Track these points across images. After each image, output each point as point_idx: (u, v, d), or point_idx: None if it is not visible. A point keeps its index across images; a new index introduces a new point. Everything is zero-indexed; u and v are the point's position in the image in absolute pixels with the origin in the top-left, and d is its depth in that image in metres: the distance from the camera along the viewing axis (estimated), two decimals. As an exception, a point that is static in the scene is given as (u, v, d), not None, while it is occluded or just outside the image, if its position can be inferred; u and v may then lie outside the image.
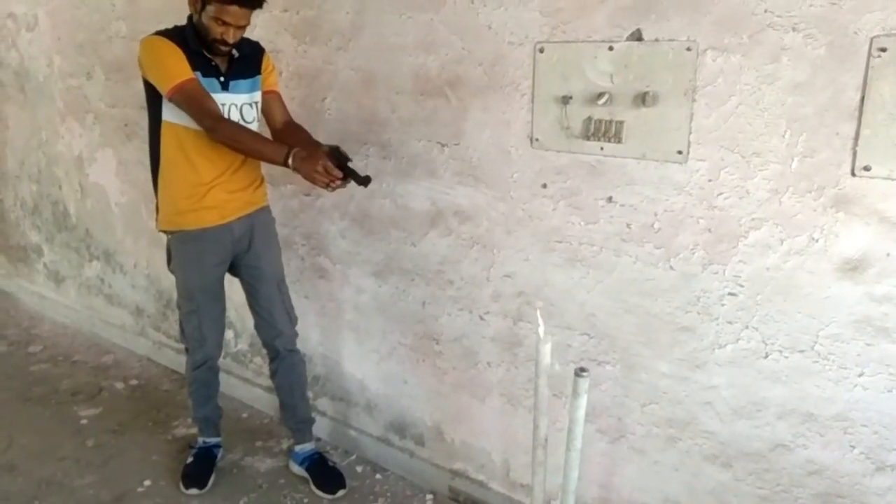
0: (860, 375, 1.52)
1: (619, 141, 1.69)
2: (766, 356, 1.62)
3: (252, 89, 2.10)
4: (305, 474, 2.41)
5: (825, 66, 1.41)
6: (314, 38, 2.25)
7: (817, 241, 1.50)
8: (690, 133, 1.60)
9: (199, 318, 2.25)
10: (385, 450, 2.49)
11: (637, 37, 1.62)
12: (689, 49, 1.55)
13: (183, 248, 2.18)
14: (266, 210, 2.27)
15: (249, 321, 2.80)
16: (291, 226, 2.51)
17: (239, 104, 2.07)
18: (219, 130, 1.93)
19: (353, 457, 2.58)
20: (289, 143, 2.09)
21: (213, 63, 2.01)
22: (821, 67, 1.41)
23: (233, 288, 2.36)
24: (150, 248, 3.19)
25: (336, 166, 1.85)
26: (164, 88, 1.93)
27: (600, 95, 1.68)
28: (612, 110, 1.69)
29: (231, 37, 1.95)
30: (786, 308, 1.57)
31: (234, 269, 2.28)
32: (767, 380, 1.63)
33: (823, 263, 1.50)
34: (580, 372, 1.52)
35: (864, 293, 1.47)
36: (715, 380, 1.71)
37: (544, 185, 1.86)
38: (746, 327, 1.63)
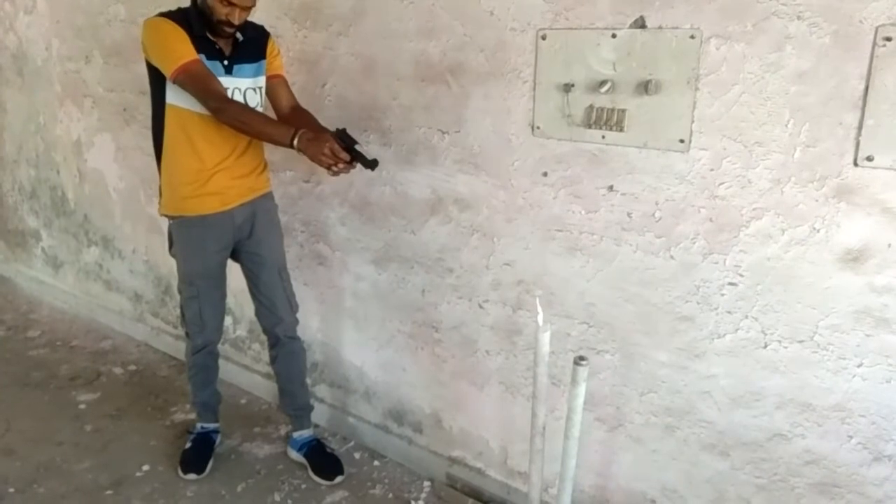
0: (859, 366, 1.52)
1: (621, 129, 1.68)
2: (766, 346, 1.62)
3: (256, 74, 2.08)
4: (303, 460, 2.41)
5: (829, 55, 1.40)
6: (315, 22, 2.24)
7: (819, 231, 1.49)
8: (693, 122, 1.59)
9: (199, 304, 2.25)
10: (383, 437, 2.50)
11: (640, 24, 1.61)
12: (692, 37, 1.54)
13: (184, 233, 2.17)
14: (269, 196, 2.26)
15: (248, 308, 2.81)
16: (291, 212, 2.50)
17: (243, 88, 2.05)
18: (225, 112, 1.91)
19: (352, 443, 2.58)
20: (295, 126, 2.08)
21: (217, 46, 1.99)
22: (825, 56, 1.41)
23: (232, 274, 2.36)
24: (148, 233, 3.18)
25: (343, 149, 1.83)
26: (168, 70, 1.91)
27: (602, 83, 1.66)
28: (615, 98, 1.68)
29: (237, 17, 1.92)
30: (786, 298, 1.57)
31: (235, 255, 2.27)
32: (766, 369, 1.64)
33: (824, 254, 1.50)
34: (579, 360, 1.52)
35: (864, 284, 1.47)
36: (714, 369, 1.71)
37: (545, 174, 1.85)
38: (746, 317, 1.63)
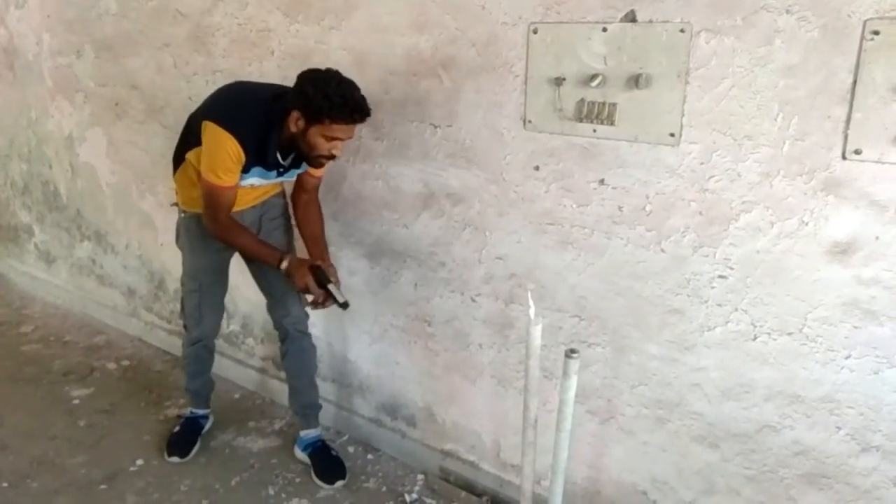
0: (847, 358, 1.53)
1: (612, 123, 1.69)
2: (755, 338, 1.63)
3: (299, 171, 2.13)
4: (307, 461, 2.41)
5: (818, 49, 1.41)
6: (307, 16, 2.23)
7: (807, 224, 1.50)
8: (683, 116, 1.59)
9: (200, 298, 2.29)
10: (377, 430, 2.51)
11: (631, 18, 1.61)
12: (682, 31, 1.55)
13: (195, 228, 2.20)
14: (280, 194, 2.29)
15: (242, 303, 2.81)
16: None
17: (279, 181, 2.12)
18: (220, 232, 2.01)
19: (346, 437, 2.59)
20: (298, 222, 2.20)
21: (280, 160, 2.00)
22: (814, 50, 1.41)
23: (229, 271, 2.36)
24: (141, 228, 3.18)
25: (318, 284, 2.02)
26: (204, 173, 1.93)
27: (593, 77, 1.67)
28: (605, 92, 1.68)
29: (339, 150, 1.91)
30: (775, 291, 1.58)
31: None
32: (756, 362, 1.65)
33: (813, 246, 1.51)
34: (570, 353, 1.52)
35: (852, 276, 1.48)
36: (704, 362, 1.72)
37: (537, 168, 1.86)
38: (736, 310, 1.64)
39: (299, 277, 2.01)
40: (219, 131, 1.87)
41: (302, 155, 1.96)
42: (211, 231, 2.03)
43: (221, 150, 1.88)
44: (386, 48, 2.06)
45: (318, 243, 2.19)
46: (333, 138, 1.86)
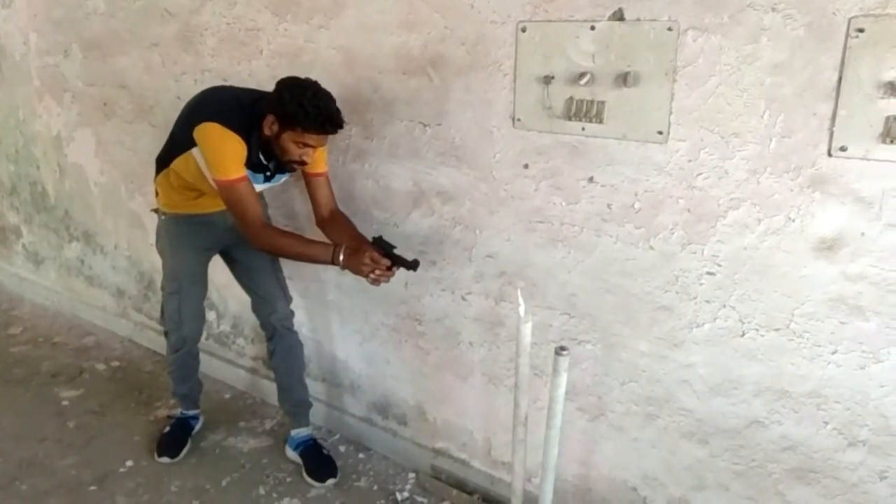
0: (834, 353, 1.54)
1: (601, 121, 1.69)
2: (743, 334, 1.65)
3: (284, 177, 2.14)
4: (299, 460, 2.41)
5: (804, 47, 1.42)
6: (295, 15, 2.23)
7: (794, 220, 1.52)
8: (671, 113, 1.60)
9: (179, 300, 2.28)
10: (368, 429, 2.51)
11: (619, 16, 1.62)
12: (670, 29, 1.55)
13: (176, 228, 2.20)
14: (260, 195, 2.28)
15: (232, 303, 2.81)
16: (274, 206, 2.50)
17: (268, 187, 2.12)
18: (261, 239, 1.96)
19: (337, 436, 2.59)
20: (333, 237, 2.10)
21: (266, 164, 2.01)
22: (799, 48, 1.42)
23: (215, 270, 2.36)
24: (130, 229, 3.16)
25: (382, 255, 1.92)
26: (215, 176, 1.91)
27: (582, 75, 1.67)
28: (594, 90, 1.69)
29: (310, 157, 1.93)
30: (762, 287, 1.59)
31: (227, 252, 2.31)
32: (744, 358, 1.66)
33: (800, 243, 1.52)
34: (560, 351, 1.53)
35: (838, 272, 1.49)
36: (692, 358, 1.73)
37: (526, 166, 1.86)
38: (724, 306, 1.65)
39: (362, 259, 1.89)
40: (217, 128, 1.88)
41: (275, 158, 1.97)
42: (250, 240, 1.97)
43: (226, 145, 1.89)
44: (375, 47, 2.06)
45: (357, 237, 2.08)
46: (305, 145, 1.88)
